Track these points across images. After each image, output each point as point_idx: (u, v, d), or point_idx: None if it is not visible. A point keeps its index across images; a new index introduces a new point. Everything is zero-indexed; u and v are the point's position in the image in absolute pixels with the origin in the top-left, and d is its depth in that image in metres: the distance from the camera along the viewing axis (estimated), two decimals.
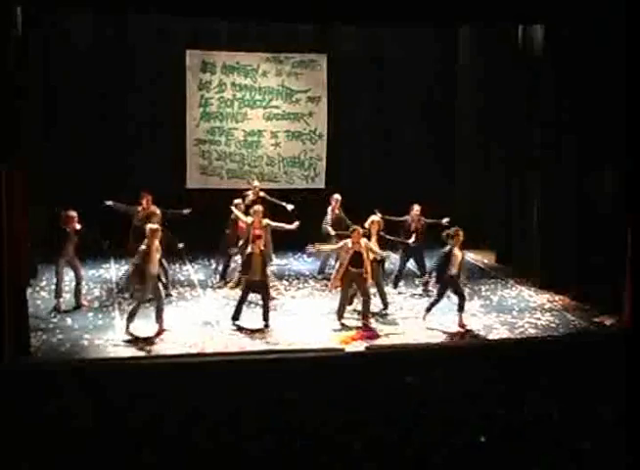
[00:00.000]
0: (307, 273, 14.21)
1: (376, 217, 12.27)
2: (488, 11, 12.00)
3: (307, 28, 15.32)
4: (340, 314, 11.49)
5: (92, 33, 14.80)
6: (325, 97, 15.85)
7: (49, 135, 14.38)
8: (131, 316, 10.90)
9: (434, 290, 12.18)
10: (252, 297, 11.73)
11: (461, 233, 11.54)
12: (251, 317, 11.50)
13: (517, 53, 14.05)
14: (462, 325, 11.44)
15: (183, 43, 15.21)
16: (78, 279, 12.14)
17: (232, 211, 13.22)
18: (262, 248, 11.51)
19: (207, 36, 15.33)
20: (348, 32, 15.58)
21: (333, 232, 13.44)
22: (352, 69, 15.85)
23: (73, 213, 11.90)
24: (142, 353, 10.23)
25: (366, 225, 11.98)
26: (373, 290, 11.92)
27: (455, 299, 11.70)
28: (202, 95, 15.45)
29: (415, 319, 11.73)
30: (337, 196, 13.96)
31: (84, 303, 12.10)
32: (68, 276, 13.40)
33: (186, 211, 13.17)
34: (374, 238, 11.94)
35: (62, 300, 11.94)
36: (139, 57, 15.04)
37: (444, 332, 11.28)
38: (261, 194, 14.19)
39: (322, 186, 15.97)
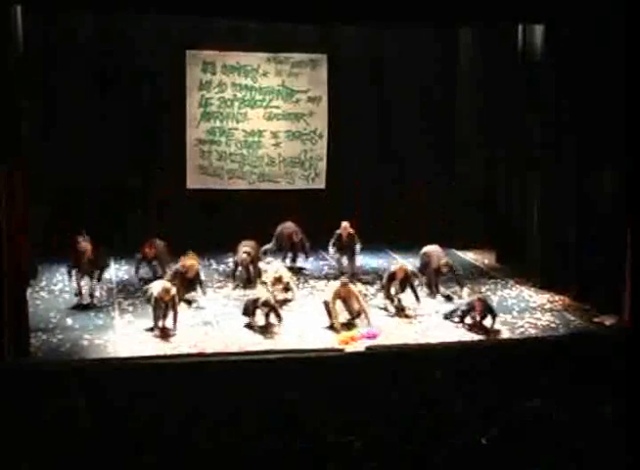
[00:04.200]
0: (307, 273, 14.22)
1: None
2: (488, 11, 11.99)
3: (307, 28, 15.29)
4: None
5: (92, 33, 14.75)
6: (325, 97, 15.83)
7: (49, 135, 14.37)
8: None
9: None
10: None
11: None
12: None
13: (517, 53, 14.04)
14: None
15: (183, 43, 15.19)
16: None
17: None
18: None
19: (207, 36, 15.30)
20: (348, 32, 15.55)
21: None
22: (352, 69, 15.83)
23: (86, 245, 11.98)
24: (142, 354, 10.23)
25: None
26: None
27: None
28: (202, 95, 15.43)
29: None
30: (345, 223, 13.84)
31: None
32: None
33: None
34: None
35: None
36: (139, 57, 15.02)
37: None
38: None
39: (322, 186, 15.97)
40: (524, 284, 13.63)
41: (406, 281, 12.07)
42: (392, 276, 12.14)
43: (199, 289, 12.30)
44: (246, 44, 15.41)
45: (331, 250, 13.78)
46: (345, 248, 13.68)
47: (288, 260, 14.25)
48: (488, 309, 11.20)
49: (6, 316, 9.63)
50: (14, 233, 9.97)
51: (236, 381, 8.16)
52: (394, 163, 16.10)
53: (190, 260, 12.34)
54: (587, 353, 9.21)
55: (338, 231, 13.63)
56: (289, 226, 14.25)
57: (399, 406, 7.49)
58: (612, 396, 7.74)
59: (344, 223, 13.66)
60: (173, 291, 11.11)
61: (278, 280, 12.48)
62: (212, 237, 15.11)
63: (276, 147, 15.80)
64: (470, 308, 11.27)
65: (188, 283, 12.14)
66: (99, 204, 14.94)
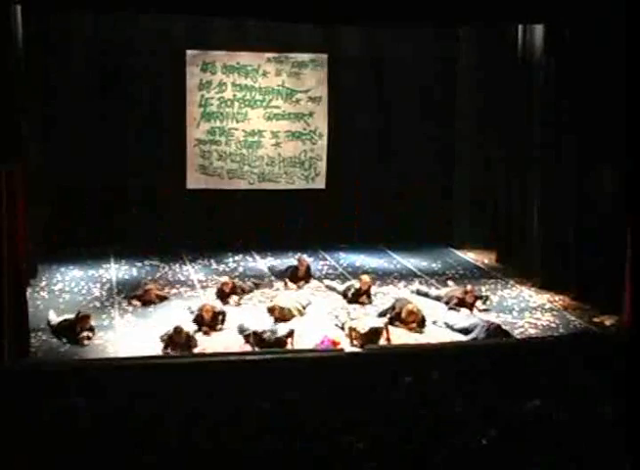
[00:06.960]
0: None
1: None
2: (488, 11, 11.99)
3: (308, 28, 15.30)
4: None
5: (92, 33, 14.76)
6: (325, 97, 15.84)
7: (49, 135, 14.38)
8: None
9: None
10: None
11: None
12: (251, 318, 11.51)
13: (517, 53, 14.05)
14: None
15: (183, 43, 15.20)
16: None
17: None
18: None
19: (207, 36, 15.32)
20: (349, 32, 15.57)
21: None
22: (352, 69, 15.85)
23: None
24: (142, 354, 10.22)
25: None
26: None
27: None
28: (202, 95, 15.44)
29: None
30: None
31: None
32: (69, 276, 13.49)
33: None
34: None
35: None
36: (139, 57, 15.02)
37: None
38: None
39: (322, 186, 15.98)
40: (524, 284, 13.64)
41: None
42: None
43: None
44: (246, 44, 15.42)
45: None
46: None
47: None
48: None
49: (6, 316, 9.62)
50: (14, 233, 9.96)
51: (236, 381, 8.15)
52: (394, 163, 16.12)
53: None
54: (587, 353, 9.19)
55: (357, 285, 12.64)
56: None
57: (399, 406, 7.48)
58: (612, 396, 7.74)
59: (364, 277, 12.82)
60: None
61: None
62: (212, 237, 15.14)
63: (276, 147, 15.81)
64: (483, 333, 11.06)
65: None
66: (99, 204, 14.95)
